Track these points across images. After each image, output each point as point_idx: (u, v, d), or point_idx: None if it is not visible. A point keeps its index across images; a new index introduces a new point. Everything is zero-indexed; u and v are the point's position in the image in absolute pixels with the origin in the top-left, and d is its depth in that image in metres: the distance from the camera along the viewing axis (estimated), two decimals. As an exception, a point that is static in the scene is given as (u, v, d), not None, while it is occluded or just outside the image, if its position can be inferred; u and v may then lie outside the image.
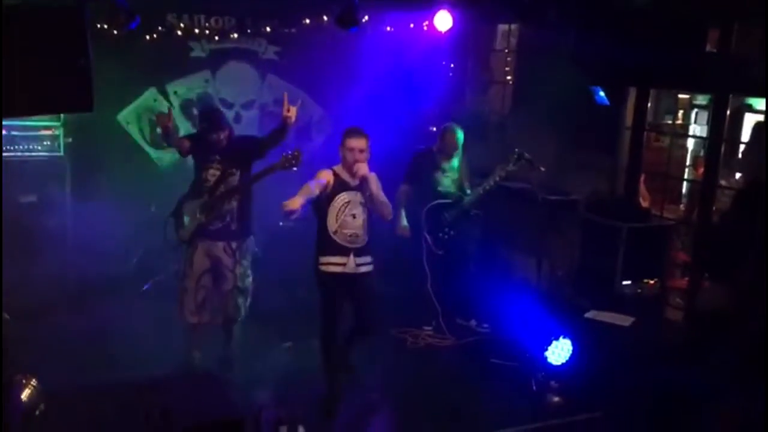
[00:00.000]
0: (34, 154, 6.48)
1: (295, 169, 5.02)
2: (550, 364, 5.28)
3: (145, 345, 5.44)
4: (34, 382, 3.93)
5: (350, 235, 4.88)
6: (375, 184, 4.90)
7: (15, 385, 3.19)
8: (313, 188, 4.76)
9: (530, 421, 4.90)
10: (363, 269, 4.96)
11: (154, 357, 5.28)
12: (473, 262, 6.63)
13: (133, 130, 7.37)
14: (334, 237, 4.87)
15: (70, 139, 6.61)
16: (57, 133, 6.55)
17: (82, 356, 5.24)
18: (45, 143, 6.52)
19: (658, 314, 6.30)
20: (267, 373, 5.39)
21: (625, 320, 5.60)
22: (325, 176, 4.88)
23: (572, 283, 6.70)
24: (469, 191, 6.44)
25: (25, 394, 3.81)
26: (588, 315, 5.72)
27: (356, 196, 4.90)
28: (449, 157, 6.45)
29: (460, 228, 6.40)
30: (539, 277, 6.63)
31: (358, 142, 4.86)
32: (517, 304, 5.83)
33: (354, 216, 4.88)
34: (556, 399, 5.17)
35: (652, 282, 6.30)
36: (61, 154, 6.59)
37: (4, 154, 6.35)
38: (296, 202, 4.58)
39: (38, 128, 6.48)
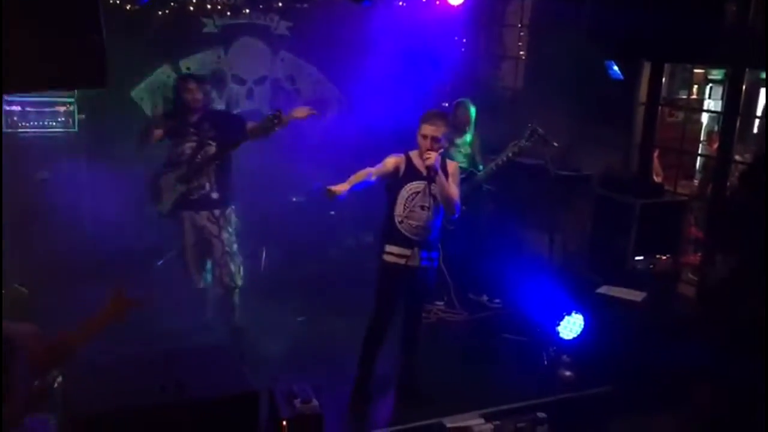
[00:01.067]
0: (48, 130, 6.51)
1: (277, 129, 5.01)
2: (562, 339, 5.31)
3: (161, 318, 5.50)
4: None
5: (416, 227, 4.62)
6: (452, 177, 4.67)
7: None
8: (371, 174, 4.58)
9: (542, 395, 4.92)
10: (425, 264, 4.72)
11: (169, 330, 5.35)
12: (486, 237, 6.64)
13: (147, 107, 7.37)
14: (400, 227, 4.64)
15: (84, 116, 6.63)
16: (71, 109, 6.58)
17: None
18: (59, 119, 6.55)
19: (671, 290, 6.30)
20: (281, 347, 5.45)
21: (637, 296, 5.60)
22: (392, 162, 4.64)
23: (585, 258, 6.70)
24: (481, 167, 6.43)
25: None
26: (600, 290, 5.73)
27: (428, 187, 4.61)
28: (462, 132, 6.45)
29: (472, 203, 6.40)
30: (552, 253, 6.63)
31: (431, 129, 4.53)
32: (529, 280, 5.85)
33: (423, 207, 4.61)
34: (568, 373, 5.19)
35: (664, 258, 6.29)
36: (76, 130, 6.61)
37: (19, 130, 6.41)
38: (340, 188, 4.39)
39: (52, 104, 6.50)
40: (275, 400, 4.30)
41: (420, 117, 4.65)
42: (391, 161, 4.67)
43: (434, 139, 4.53)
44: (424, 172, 4.59)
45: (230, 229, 5.51)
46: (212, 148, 5.36)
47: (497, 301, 6.57)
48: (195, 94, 5.35)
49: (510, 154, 6.18)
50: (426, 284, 4.86)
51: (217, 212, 5.44)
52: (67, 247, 6.25)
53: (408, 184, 4.64)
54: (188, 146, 5.37)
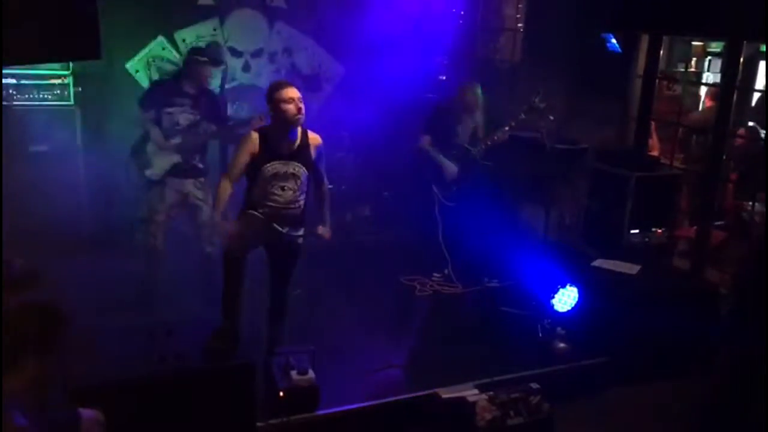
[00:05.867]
0: (44, 102, 6.50)
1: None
2: (557, 312, 5.35)
3: (158, 290, 5.54)
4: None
5: (277, 208, 4.46)
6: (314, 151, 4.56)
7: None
8: (229, 189, 4.50)
9: (536, 366, 4.97)
10: (289, 239, 4.63)
11: (166, 302, 5.38)
12: (483, 215, 6.58)
13: (142, 79, 7.33)
14: (259, 209, 4.47)
15: (79, 88, 6.61)
16: (67, 81, 6.55)
17: (94, 301, 5.32)
18: (55, 92, 6.53)
19: (665, 263, 6.33)
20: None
21: (631, 268, 5.64)
22: (244, 156, 4.40)
23: (580, 231, 6.72)
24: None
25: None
26: (595, 263, 5.76)
27: (288, 167, 4.42)
28: (471, 113, 6.37)
29: (468, 181, 6.35)
30: (547, 226, 6.65)
31: (293, 91, 4.32)
32: (524, 253, 5.87)
33: (284, 188, 4.43)
34: (562, 345, 5.24)
35: (659, 231, 6.32)
36: (71, 102, 6.59)
37: (14, 103, 6.38)
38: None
39: (48, 77, 6.48)
40: (271, 372, 4.34)
41: (270, 88, 4.41)
42: (243, 158, 4.41)
43: (300, 99, 4.31)
44: (285, 149, 4.40)
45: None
46: (212, 127, 5.50)
47: (493, 280, 6.53)
48: (206, 70, 5.47)
49: (507, 128, 6.19)
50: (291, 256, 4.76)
51: (202, 179, 5.59)
52: (64, 219, 6.24)
53: (267, 165, 4.39)
54: (183, 117, 5.42)
